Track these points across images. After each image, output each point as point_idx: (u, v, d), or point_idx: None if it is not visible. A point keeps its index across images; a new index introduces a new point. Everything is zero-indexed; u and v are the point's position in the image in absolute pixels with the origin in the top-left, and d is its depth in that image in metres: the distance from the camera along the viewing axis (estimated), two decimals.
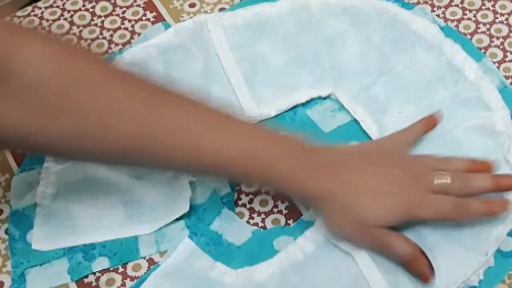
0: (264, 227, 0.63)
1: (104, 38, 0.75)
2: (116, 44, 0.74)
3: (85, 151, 0.55)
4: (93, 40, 0.75)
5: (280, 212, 0.64)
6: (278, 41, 0.72)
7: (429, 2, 0.76)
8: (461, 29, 0.74)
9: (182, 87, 0.57)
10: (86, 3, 0.78)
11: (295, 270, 0.59)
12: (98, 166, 0.64)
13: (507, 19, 0.74)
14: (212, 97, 0.69)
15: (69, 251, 0.62)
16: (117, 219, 0.63)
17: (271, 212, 0.64)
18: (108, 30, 0.76)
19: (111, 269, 0.61)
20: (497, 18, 0.74)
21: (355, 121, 0.68)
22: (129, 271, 0.61)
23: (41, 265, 0.61)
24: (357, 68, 0.70)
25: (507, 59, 0.71)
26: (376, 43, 0.71)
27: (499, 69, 0.70)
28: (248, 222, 0.63)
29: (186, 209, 0.62)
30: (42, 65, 0.51)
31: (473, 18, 0.74)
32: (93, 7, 0.77)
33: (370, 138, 0.66)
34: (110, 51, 0.74)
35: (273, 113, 0.68)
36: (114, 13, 0.77)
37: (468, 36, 0.73)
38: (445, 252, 0.59)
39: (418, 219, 0.58)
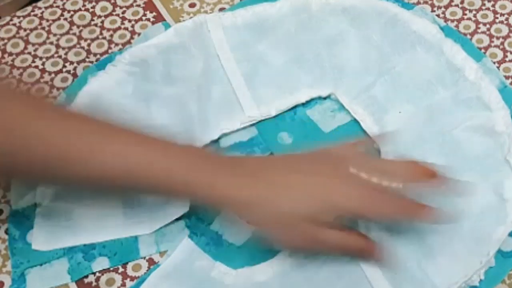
0: None
1: (104, 38, 0.75)
2: (116, 44, 0.74)
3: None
4: (93, 40, 0.75)
5: None
6: (278, 41, 0.72)
7: (429, 2, 0.76)
8: (461, 29, 0.74)
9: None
10: (86, 3, 0.78)
11: (296, 270, 0.59)
12: None
13: (507, 19, 0.74)
14: (212, 97, 0.69)
15: (69, 251, 0.62)
16: (117, 219, 0.63)
17: None
18: (108, 30, 0.76)
19: (111, 269, 0.61)
20: (497, 18, 0.74)
21: (355, 121, 0.68)
22: (129, 271, 0.61)
23: (41, 265, 0.61)
24: (357, 68, 0.70)
25: (507, 59, 0.71)
26: (376, 43, 0.71)
27: (499, 69, 0.70)
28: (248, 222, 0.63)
29: (186, 209, 0.62)
30: None
31: (473, 18, 0.74)
32: (93, 7, 0.77)
33: (370, 138, 0.66)
34: (110, 51, 0.74)
35: (273, 113, 0.68)
36: (114, 13, 0.77)
37: (468, 36, 0.73)
38: (446, 252, 0.59)
39: (341, 209, 0.56)
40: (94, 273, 0.61)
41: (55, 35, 0.75)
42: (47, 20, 0.76)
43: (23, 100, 0.57)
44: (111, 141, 0.56)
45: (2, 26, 0.76)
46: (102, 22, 0.76)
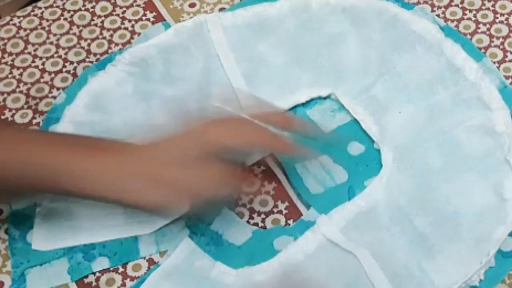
0: (264, 227, 0.63)
1: (104, 38, 0.75)
2: (116, 44, 0.74)
3: None
4: (93, 40, 0.75)
5: (280, 212, 0.64)
6: (278, 41, 0.72)
7: (429, 2, 0.76)
8: (461, 29, 0.74)
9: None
10: (86, 3, 0.78)
11: (296, 270, 0.59)
12: None
13: (507, 19, 0.74)
14: (212, 97, 0.69)
15: (69, 251, 0.62)
16: (117, 219, 0.63)
17: (271, 212, 0.64)
18: (108, 30, 0.76)
19: (111, 269, 0.61)
20: (497, 18, 0.74)
21: (355, 121, 0.68)
22: (129, 271, 0.61)
23: (41, 265, 0.61)
24: (357, 68, 0.70)
25: (507, 59, 0.71)
26: (376, 43, 0.71)
27: (499, 69, 0.70)
28: (248, 222, 0.63)
29: (186, 209, 0.62)
30: None
31: (473, 18, 0.74)
32: (93, 7, 0.77)
33: (370, 138, 0.66)
34: (110, 51, 0.74)
35: None
36: (114, 13, 0.77)
37: (468, 36, 0.73)
38: (447, 252, 0.59)
39: (215, 144, 0.57)
40: (94, 273, 0.61)
41: (55, 35, 0.75)
42: (47, 20, 0.76)
43: None
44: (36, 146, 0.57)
45: (2, 26, 0.76)
46: (102, 22, 0.76)
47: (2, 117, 0.70)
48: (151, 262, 0.61)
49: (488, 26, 0.74)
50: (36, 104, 0.71)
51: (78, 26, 0.76)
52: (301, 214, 0.63)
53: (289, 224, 0.63)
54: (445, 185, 0.63)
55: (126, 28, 0.76)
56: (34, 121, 0.69)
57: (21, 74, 0.73)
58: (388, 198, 0.62)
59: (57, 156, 0.56)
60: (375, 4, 0.74)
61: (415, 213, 0.61)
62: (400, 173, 0.64)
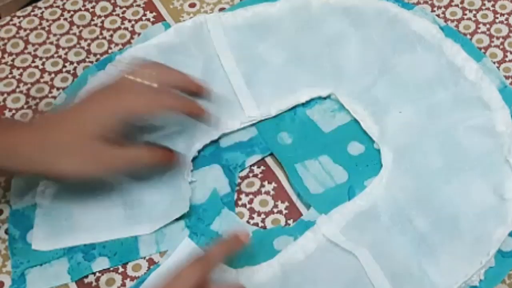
0: (264, 227, 0.63)
1: (104, 38, 0.75)
2: (116, 44, 0.74)
3: None
4: (93, 40, 0.75)
5: (280, 212, 0.64)
6: (278, 41, 0.72)
7: (429, 2, 0.76)
8: (461, 29, 0.74)
9: None
10: (86, 3, 0.78)
11: (296, 270, 0.59)
12: None
13: (507, 19, 0.74)
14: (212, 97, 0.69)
15: (69, 251, 0.62)
16: (117, 219, 0.63)
17: (271, 212, 0.64)
18: (108, 30, 0.76)
19: (111, 269, 0.61)
20: (497, 18, 0.74)
21: (355, 121, 0.68)
22: (129, 271, 0.61)
23: (41, 265, 0.61)
24: (357, 68, 0.70)
25: (507, 59, 0.71)
26: (376, 43, 0.71)
27: (499, 69, 0.70)
28: (248, 222, 0.63)
29: (186, 209, 0.62)
30: None
31: (473, 18, 0.74)
32: (93, 7, 0.77)
33: (370, 138, 0.66)
34: (110, 51, 0.74)
35: (273, 113, 0.68)
36: (114, 13, 0.77)
37: (468, 36, 0.73)
38: (447, 252, 0.59)
39: (128, 112, 0.59)
40: (94, 273, 0.61)
41: (55, 35, 0.75)
42: (47, 20, 0.76)
43: None
44: None
45: (2, 26, 0.76)
46: (102, 22, 0.76)
47: (2, 117, 0.70)
48: (151, 262, 0.61)
49: (488, 26, 0.74)
50: (36, 104, 0.71)
51: (78, 26, 0.76)
52: (301, 214, 0.63)
53: (289, 224, 0.63)
54: (445, 185, 0.63)
55: (126, 28, 0.75)
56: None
57: (21, 74, 0.73)
58: (388, 198, 0.62)
59: None
60: (375, 4, 0.74)
61: (415, 213, 0.61)
62: (400, 173, 0.64)
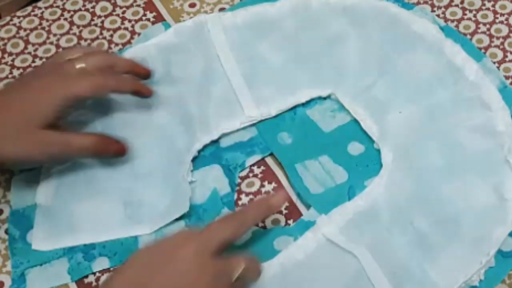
0: (264, 227, 0.63)
1: (104, 38, 0.75)
2: (116, 44, 0.74)
3: None
4: (93, 40, 0.75)
5: (280, 212, 0.64)
6: (278, 41, 0.72)
7: (429, 2, 0.76)
8: (461, 29, 0.74)
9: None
10: (86, 3, 0.78)
11: (296, 270, 0.59)
12: (98, 166, 0.64)
13: (507, 19, 0.74)
14: (212, 97, 0.69)
15: (69, 251, 0.62)
16: (117, 219, 0.63)
17: None
18: (108, 30, 0.76)
19: (111, 269, 0.61)
20: (497, 18, 0.74)
21: (355, 121, 0.68)
22: None
23: (41, 265, 0.61)
24: (357, 68, 0.70)
25: (507, 59, 0.71)
26: (376, 43, 0.71)
27: (499, 69, 0.70)
28: None
29: (186, 209, 0.62)
30: None
31: (473, 18, 0.74)
32: (93, 7, 0.77)
33: (370, 138, 0.66)
34: (110, 51, 0.74)
35: (273, 113, 0.68)
36: (114, 13, 0.77)
37: (468, 36, 0.73)
38: (447, 252, 0.59)
39: (76, 96, 0.60)
40: (94, 273, 0.61)
41: (55, 35, 0.75)
42: (47, 20, 0.76)
43: None
44: None
45: (2, 26, 0.76)
46: (102, 22, 0.76)
47: None
48: None
49: (488, 26, 0.74)
50: None
51: (78, 26, 0.76)
52: (301, 214, 0.63)
53: (289, 224, 0.63)
54: (445, 185, 0.63)
55: (126, 28, 0.76)
56: None
57: (21, 74, 0.72)
58: (388, 198, 0.62)
59: None
60: (375, 4, 0.74)
61: (415, 213, 0.61)
62: (400, 173, 0.64)
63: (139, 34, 0.75)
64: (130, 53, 0.71)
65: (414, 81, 0.69)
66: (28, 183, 0.65)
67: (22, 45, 0.75)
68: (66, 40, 0.75)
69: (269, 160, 0.67)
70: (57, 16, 0.77)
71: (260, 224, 0.63)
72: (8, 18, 0.77)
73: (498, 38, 0.73)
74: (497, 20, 0.74)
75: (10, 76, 0.72)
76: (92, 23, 0.76)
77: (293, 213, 0.64)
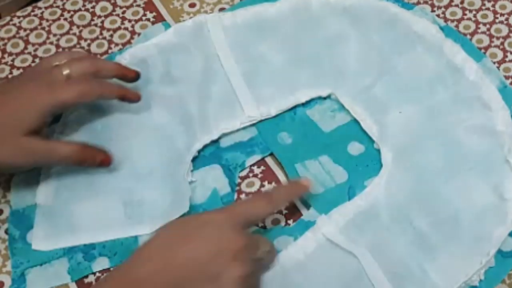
0: (264, 227, 0.63)
1: (104, 38, 0.75)
2: (116, 44, 0.74)
3: None
4: (93, 40, 0.75)
5: (280, 212, 0.64)
6: (278, 41, 0.72)
7: (429, 2, 0.76)
8: (461, 29, 0.74)
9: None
10: (86, 3, 0.78)
11: (296, 269, 0.59)
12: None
13: (507, 19, 0.74)
14: (212, 97, 0.69)
15: (69, 251, 0.62)
16: (117, 219, 0.63)
17: None
18: (108, 30, 0.76)
19: (111, 269, 0.61)
20: (497, 18, 0.74)
21: (355, 121, 0.68)
22: None
23: (41, 265, 0.61)
24: (357, 68, 0.70)
25: (507, 59, 0.71)
26: (376, 43, 0.71)
27: (499, 69, 0.70)
28: None
29: (186, 209, 0.62)
30: None
31: (473, 18, 0.74)
32: (93, 7, 0.77)
33: (370, 138, 0.66)
34: (110, 51, 0.74)
35: (273, 113, 0.68)
36: (114, 13, 0.77)
37: (468, 36, 0.73)
38: (447, 252, 0.59)
39: (63, 102, 0.61)
40: (94, 273, 0.61)
41: (55, 35, 0.75)
42: (47, 20, 0.76)
43: None
44: None
45: (2, 26, 0.76)
46: (102, 22, 0.76)
47: None
48: None
49: (488, 26, 0.74)
50: None
51: (78, 26, 0.76)
52: (301, 214, 0.63)
53: (289, 224, 0.63)
54: (445, 185, 0.63)
55: (126, 28, 0.76)
56: None
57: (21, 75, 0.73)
58: (388, 198, 0.62)
59: None
60: (375, 4, 0.74)
61: (415, 213, 0.61)
62: (400, 173, 0.64)
63: (139, 34, 0.75)
64: (130, 53, 0.71)
65: (414, 81, 0.69)
66: (28, 183, 0.65)
67: (22, 45, 0.75)
68: (66, 40, 0.75)
69: (269, 160, 0.67)
70: (57, 16, 0.77)
71: (260, 224, 0.63)
72: (8, 18, 0.77)
73: (498, 38, 0.73)
74: (497, 20, 0.74)
75: (10, 76, 0.72)
76: (92, 23, 0.76)
77: (293, 213, 0.64)
